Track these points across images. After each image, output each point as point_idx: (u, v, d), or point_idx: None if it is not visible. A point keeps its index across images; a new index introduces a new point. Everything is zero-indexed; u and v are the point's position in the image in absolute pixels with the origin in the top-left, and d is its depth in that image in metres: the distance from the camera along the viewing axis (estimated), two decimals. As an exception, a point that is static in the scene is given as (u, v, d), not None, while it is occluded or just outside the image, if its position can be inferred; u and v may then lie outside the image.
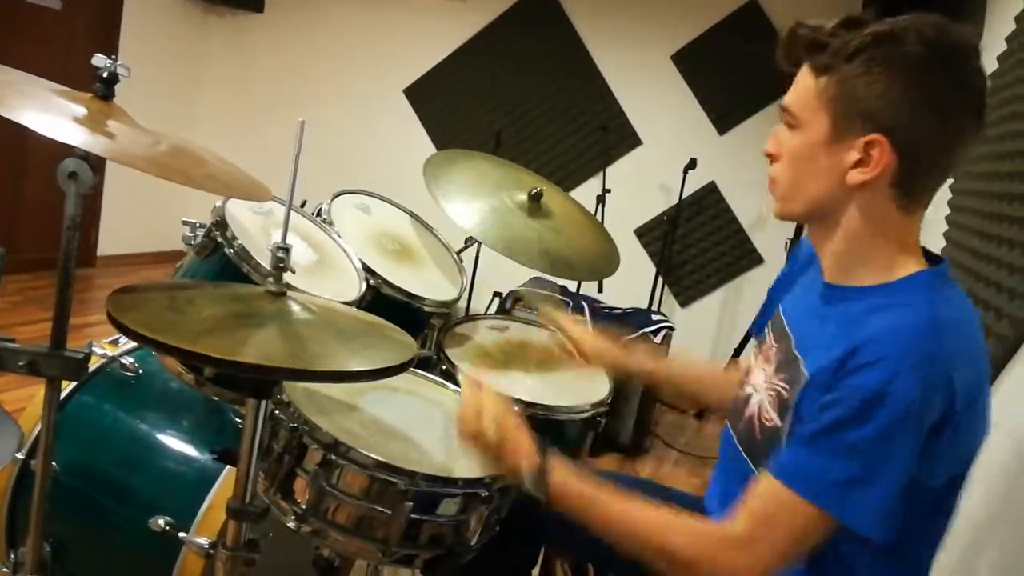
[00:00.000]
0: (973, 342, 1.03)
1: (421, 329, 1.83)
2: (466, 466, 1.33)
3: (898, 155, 0.99)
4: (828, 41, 1.01)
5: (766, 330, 1.27)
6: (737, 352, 4.27)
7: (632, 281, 4.52)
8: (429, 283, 1.87)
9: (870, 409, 0.93)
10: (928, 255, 1.09)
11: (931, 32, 0.97)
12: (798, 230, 3.97)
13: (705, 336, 4.80)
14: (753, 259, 4.70)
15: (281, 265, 1.18)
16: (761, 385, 1.19)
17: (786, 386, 1.10)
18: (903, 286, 1.03)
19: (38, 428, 1.53)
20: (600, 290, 4.23)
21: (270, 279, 1.20)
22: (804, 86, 1.05)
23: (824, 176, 1.05)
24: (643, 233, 4.89)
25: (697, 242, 4.79)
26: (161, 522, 1.45)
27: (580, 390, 1.82)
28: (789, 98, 1.08)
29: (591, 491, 1.13)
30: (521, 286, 4.03)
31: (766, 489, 1.00)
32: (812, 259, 1.22)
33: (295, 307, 1.19)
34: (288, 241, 1.19)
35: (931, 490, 1.01)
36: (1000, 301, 1.59)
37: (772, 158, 1.12)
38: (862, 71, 0.99)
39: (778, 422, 1.09)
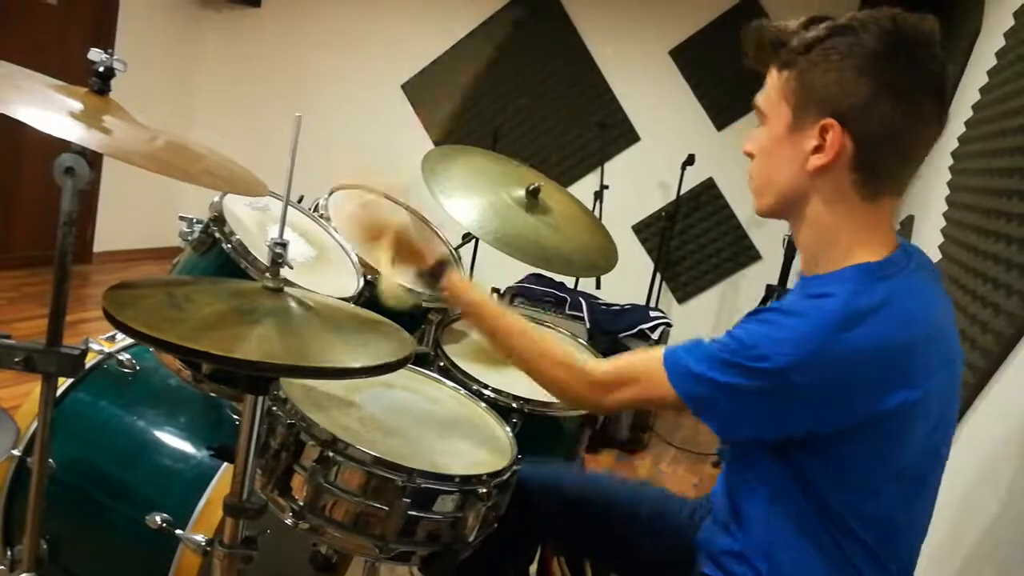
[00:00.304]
0: (888, 338, 1.01)
1: (419, 325, 1.82)
2: (464, 463, 1.33)
3: (853, 139, 1.02)
4: (788, 39, 1.06)
5: None
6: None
7: (630, 277, 4.51)
8: (427, 279, 1.86)
9: (745, 353, 1.03)
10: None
11: (886, 22, 1.01)
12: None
13: (702, 333, 4.76)
14: (751, 256, 4.71)
15: (279, 261, 1.18)
16: None
17: None
18: (836, 276, 1.06)
19: (35, 425, 1.53)
20: (598, 287, 4.23)
21: (268, 275, 1.19)
22: (770, 83, 1.11)
23: (788, 165, 1.09)
24: (641, 229, 4.89)
25: (695, 238, 4.79)
26: (158, 519, 1.45)
27: (578, 386, 1.82)
28: (758, 97, 1.14)
29: (493, 307, 1.35)
30: (519, 283, 4.03)
31: (649, 355, 1.16)
32: None
33: (293, 304, 1.18)
34: (285, 237, 1.19)
35: (882, 460, 1.05)
36: (998, 297, 1.59)
37: (751, 156, 1.16)
38: (818, 60, 1.03)
39: None
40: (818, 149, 1.04)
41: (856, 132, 1.02)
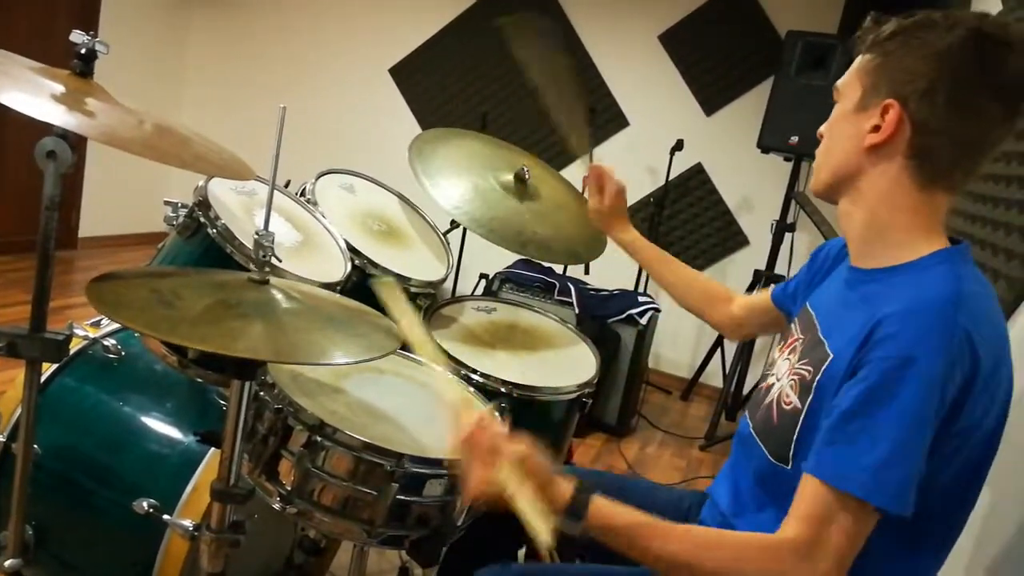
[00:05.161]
0: (993, 313, 1.03)
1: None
2: (452, 447, 1.33)
3: (912, 125, 1.03)
4: (883, 26, 1.08)
5: (792, 324, 1.27)
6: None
7: (619, 263, 4.47)
8: (415, 264, 1.86)
9: (897, 377, 0.94)
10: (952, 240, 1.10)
11: (972, 20, 1.02)
12: (783, 212, 3.98)
13: (691, 318, 4.79)
14: (739, 241, 4.71)
15: (265, 256, 1.17)
16: (784, 373, 1.18)
17: (809, 368, 1.10)
18: (925, 263, 1.05)
19: (19, 411, 1.52)
20: (587, 272, 4.23)
21: (253, 266, 1.18)
22: (852, 66, 1.13)
23: (847, 142, 1.10)
24: (630, 215, 4.87)
25: (683, 224, 4.79)
26: (145, 504, 1.44)
27: (566, 371, 1.83)
28: (839, 80, 1.15)
29: (633, 526, 1.06)
30: (508, 268, 4.02)
31: (811, 491, 0.97)
32: (840, 256, 1.26)
33: (280, 296, 1.18)
34: (272, 222, 1.18)
35: (957, 468, 1.00)
36: (997, 263, 1.59)
37: (821, 139, 1.17)
38: (897, 47, 1.05)
39: (798, 404, 1.10)
40: (876, 128, 1.06)
41: (915, 118, 1.03)
